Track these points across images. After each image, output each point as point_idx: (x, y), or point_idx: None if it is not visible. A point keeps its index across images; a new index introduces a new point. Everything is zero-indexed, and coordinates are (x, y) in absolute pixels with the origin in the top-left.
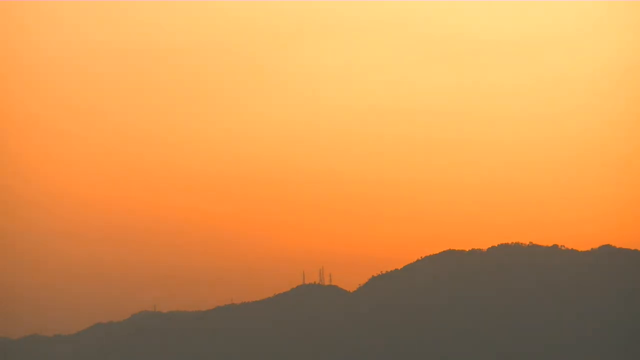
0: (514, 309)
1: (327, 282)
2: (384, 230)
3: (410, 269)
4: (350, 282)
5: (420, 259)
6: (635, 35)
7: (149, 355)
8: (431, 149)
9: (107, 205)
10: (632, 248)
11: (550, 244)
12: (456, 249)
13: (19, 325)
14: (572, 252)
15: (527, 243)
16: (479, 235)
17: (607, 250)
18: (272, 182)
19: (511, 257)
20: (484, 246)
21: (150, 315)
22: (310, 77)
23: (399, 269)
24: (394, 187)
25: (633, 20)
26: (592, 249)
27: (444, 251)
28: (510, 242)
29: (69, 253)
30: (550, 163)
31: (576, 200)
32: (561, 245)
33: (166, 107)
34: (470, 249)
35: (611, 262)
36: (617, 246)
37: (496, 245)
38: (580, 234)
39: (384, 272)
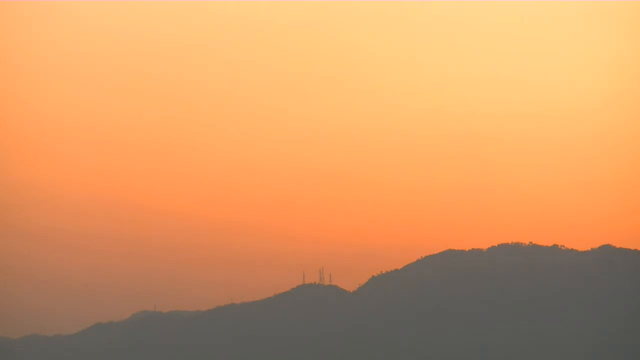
0: (514, 309)
1: (327, 282)
2: (384, 230)
3: (410, 269)
4: (350, 282)
5: (420, 259)
6: (636, 35)
7: (149, 355)
8: (431, 149)
9: (107, 205)
10: (632, 248)
11: (550, 244)
12: (456, 249)
13: (19, 325)
14: (572, 252)
15: (527, 243)
16: (479, 235)
17: (607, 250)
18: (272, 183)
19: (511, 257)
20: (484, 246)
21: (150, 315)
22: (308, 75)
23: (399, 269)
24: (394, 187)
25: (633, 20)
26: (592, 249)
27: (444, 251)
28: (510, 242)
29: (69, 253)
30: (550, 163)
31: (576, 200)
32: (561, 245)
33: (165, 107)
34: (470, 249)
35: (611, 262)
36: (617, 246)
37: (496, 245)
38: (580, 234)
39: (384, 272)
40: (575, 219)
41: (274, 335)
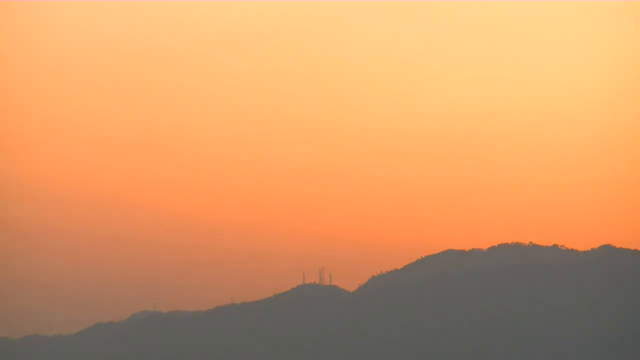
0: (513, 309)
1: (327, 282)
2: (384, 230)
3: (410, 269)
4: (350, 282)
5: (420, 259)
6: (636, 35)
7: (149, 355)
8: (431, 149)
9: (107, 205)
10: (632, 248)
11: (550, 244)
12: (456, 249)
13: (19, 325)
14: (572, 252)
15: (527, 243)
16: (479, 235)
17: (607, 250)
18: (272, 182)
19: (511, 257)
20: (484, 246)
21: (150, 315)
22: (308, 75)
23: (399, 269)
24: (394, 186)
25: (633, 20)
26: (592, 249)
27: (444, 251)
28: (510, 242)
29: (69, 253)
30: (550, 163)
31: (576, 200)
32: (561, 245)
33: (166, 107)
34: (470, 249)
35: (611, 262)
36: (617, 246)
37: (496, 245)
38: (580, 234)
39: (384, 272)
40: (575, 219)
41: (274, 335)
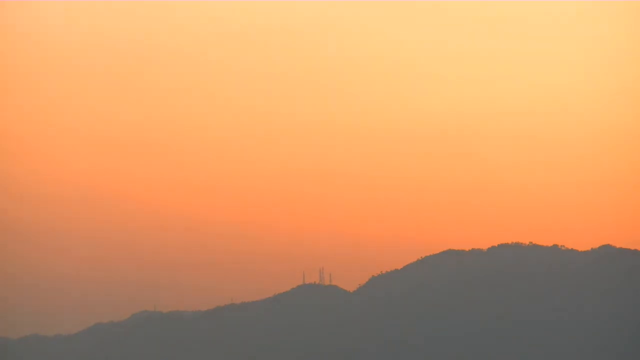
0: (514, 309)
1: (327, 282)
2: (384, 230)
3: (410, 269)
4: (350, 282)
5: (420, 259)
6: (636, 35)
7: (149, 355)
8: (431, 149)
9: (107, 206)
10: (632, 248)
11: (550, 244)
12: (456, 249)
13: (19, 325)
14: (572, 252)
15: (527, 243)
16: (479, 235)
17: (607, 250)
18: (272, 183)
19: (511, 257)
20: (484, 246)
21: (150, 315)
22: (307, 75)
23: (399, 269)
24: (394, 186)
25: (633, 20)
26: (592, 249)
27: (444, 251)
28: (510, 242)
29: (69, 253)
30: (550, 163)
31: (576, 200)
32: (561, 245)
33: (166, 107)
34: (470, 249)
35: (611, 262)
36: (617, 246)
37: (496, 245)
38: (580, 234)
39: (384, 272)
40: (575, 219)
41: (274, 335)
